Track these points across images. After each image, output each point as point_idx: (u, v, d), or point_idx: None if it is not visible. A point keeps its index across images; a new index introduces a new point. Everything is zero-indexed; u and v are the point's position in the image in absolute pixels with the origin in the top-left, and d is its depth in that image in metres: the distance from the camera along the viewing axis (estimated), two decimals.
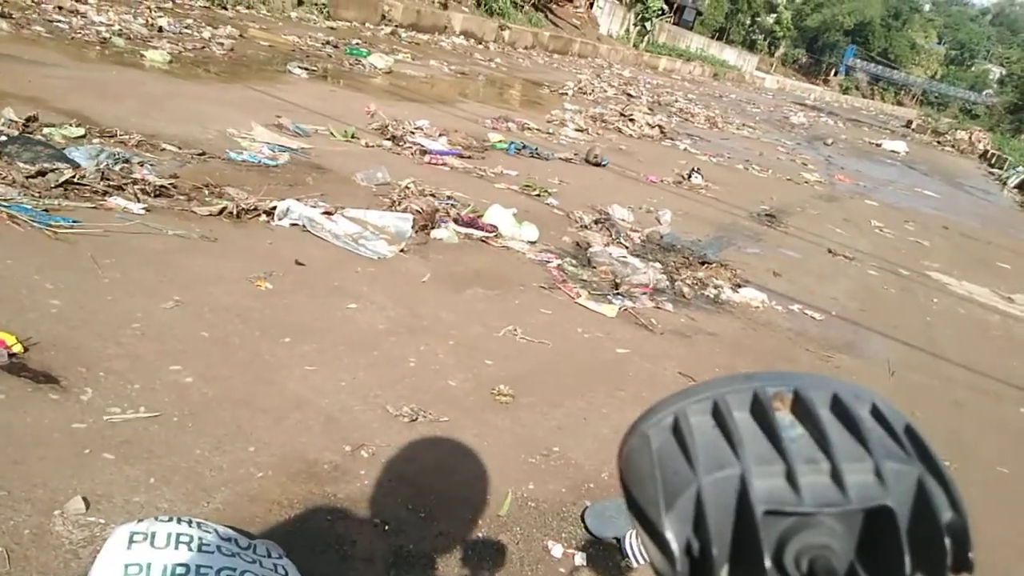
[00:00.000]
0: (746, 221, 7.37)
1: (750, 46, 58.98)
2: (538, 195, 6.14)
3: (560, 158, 7.83)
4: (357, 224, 4.29)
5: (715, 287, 5.00)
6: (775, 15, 59.88)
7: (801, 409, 0.44)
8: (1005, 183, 21.42)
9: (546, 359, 3.39)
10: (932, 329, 5.58)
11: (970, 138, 34.80)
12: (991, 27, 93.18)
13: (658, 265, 5.08)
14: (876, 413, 0.44)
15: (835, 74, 74.98)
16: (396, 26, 16.70)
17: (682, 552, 0.41)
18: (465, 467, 2.49)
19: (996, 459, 3.70)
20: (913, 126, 39.49)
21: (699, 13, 46.56)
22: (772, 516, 0.39)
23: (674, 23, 40.96)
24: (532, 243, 4.87)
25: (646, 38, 33.87)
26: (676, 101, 18.07)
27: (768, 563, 0.39)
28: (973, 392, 4.54)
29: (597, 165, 7.93)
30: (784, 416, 0.44)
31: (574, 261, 4.78)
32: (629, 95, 16.43)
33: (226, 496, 2.07)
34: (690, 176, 8.48)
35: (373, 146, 6.30)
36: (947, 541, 0.40)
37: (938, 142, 33.92)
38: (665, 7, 34.63)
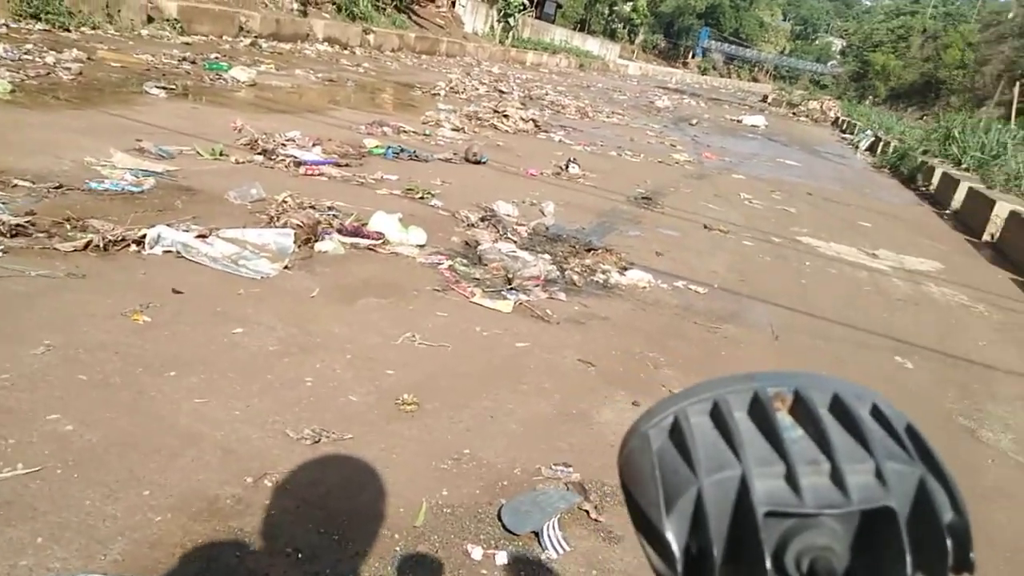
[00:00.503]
0: (625, 205, 7.57)
1: (611, 35, 60.70)
2: (421, 198, 6.09)
3: (440, 159, 7.80)
4: (235, 244, 4.12)
5: (603, 272, 5.11)
6: (631, 3, 61.83)
7: (802, 409, 0.44)
8: (857, 147, 22.99)
9: (447, 362, 3.37)
10: (808, 291, 5.91)
11: (821, 107, 37.17)
12: (829, 2, 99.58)
13: (547, 256, 5.14)
14: (877, 413, 0.44)
15: (693, 56, 78.29)
16: (256, 37, 16.16)
17: (682, 553, 0.41)
18: (375, 482, 2.43)
19: None
20: (769, 100, 41.79)
21: (559, 6, 47.52)
22: (773, 517, 0.39)
23: (536, 17, 41.64)
24: (421, 247, 4.82)
25: (511, 34, 34.26)
26: (547, 94, 18.36)
27: (769, 564, 0.38)
28: (851, 346, 4.84)
29: (477, 163, 7.95)
30: (785, 417, 0.44)
31: (465, 261, 4.77)
32: (501, 91, 16.56)
33: (124, 546, 1.94)
34: (567, 167, 8.64)
35: (244, 162, 6.07)
36: (948, 541, 0.40)
37: (793, 113, 36.03)
38: (526, 2, 35.11)
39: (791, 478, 0.40)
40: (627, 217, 7.07)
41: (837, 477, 0.40)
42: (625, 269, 5.29)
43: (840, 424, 0.43)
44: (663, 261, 5.80)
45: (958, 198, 12.47)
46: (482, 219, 5.67)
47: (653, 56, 72.55)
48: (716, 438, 0.43)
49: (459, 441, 2.73)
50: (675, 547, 0.41)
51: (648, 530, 0.43)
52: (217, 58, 12.33)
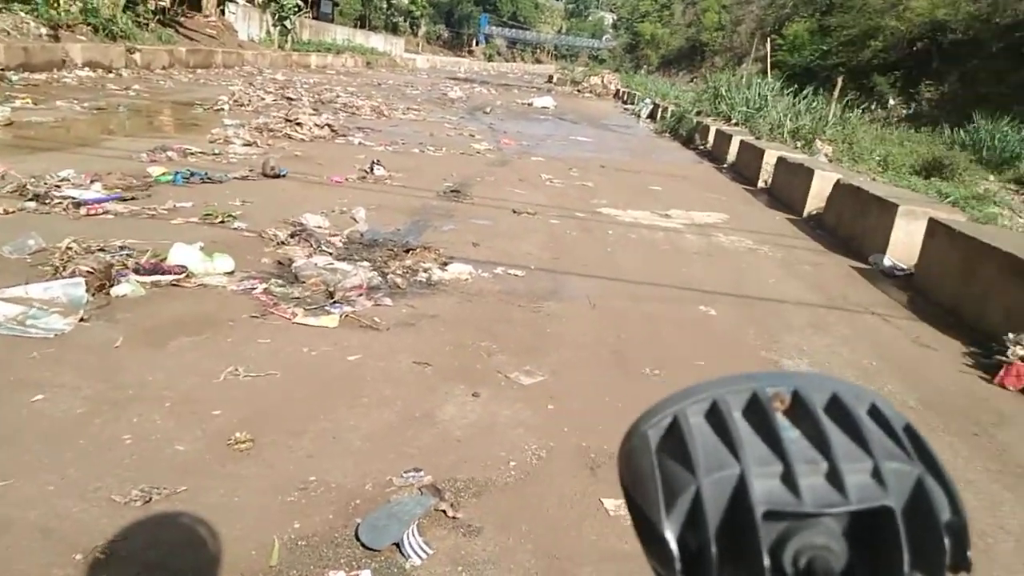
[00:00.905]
0: (435, 201, 7.63)
1: (393, 29, 60.44)
2: (222, 222, 5.78)
3: (235, 177, 7.43)
4: (19, 304, 3.72)
5: (425, 271, 5.13)
6: None
7: (800, 409, 0.44)
8: (639, 116, 24.52)
9: (278, 390, 3.25)
10: (614, 258, 6.26)
11: (603, 81, 39.20)
12: None
13: (366, 264, 5.08)
14: (875, 413, 0.44)
15: (477, 44, 79.74)
16: (1, 70, 14.51)
17: (680, 553, 0.41)
18: (220, 531, 2.31)
19: (693, 355, 4.29)
20: (554, 80, 43.46)
21: (336, 4, 46.57)
22: (771, 516, 0.39)
23: (313, 17, 40.55)
24: (230, 274, 4.59)
25: (289, 37, 33.13)
26: (338, 96, 18.00)
27: (767, 563, 0.39)
28: (660, 303, 5.19)
29: (276, 177, 7.66)
30: (783, 417, 0.44)
31: (280, 281, 4.60)
32: (289, 99, 16.01)
33: None
34: (372, 169, 8.55)
35: (14, 211, 5.46)
36: (946, 541, 0.40)
37: (578, 91, 37.75)
38: (300, 3, 34.09)
39: (789, 478, 0.40)
40: (439, 212, 7.13)
41: (835, 477, 0.40)
42: (446, 264, 5.34)
43: (838, 424, 0.43)
44: (480, 250, 5.92)
45: (732, 151, 13.67)
46: (292, 235, 5.49)
47: (439, 47, 73.11)
48: (715, 438, 0.43)
49: (303, 469, 2.66)
50: (674, 546, 0.41)
51: (647, 529, 0.43)
52: None
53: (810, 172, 9.49)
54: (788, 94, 17.05)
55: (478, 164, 10.57)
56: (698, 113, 18.73)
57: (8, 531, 2.18)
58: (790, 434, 0.43)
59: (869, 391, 0.46)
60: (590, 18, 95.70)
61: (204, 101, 14.11)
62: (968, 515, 0.41)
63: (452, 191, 8.17)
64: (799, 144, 13.83)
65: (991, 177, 14.76)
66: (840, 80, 17.34)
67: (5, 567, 2.04)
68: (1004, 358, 4.48)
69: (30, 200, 5.73)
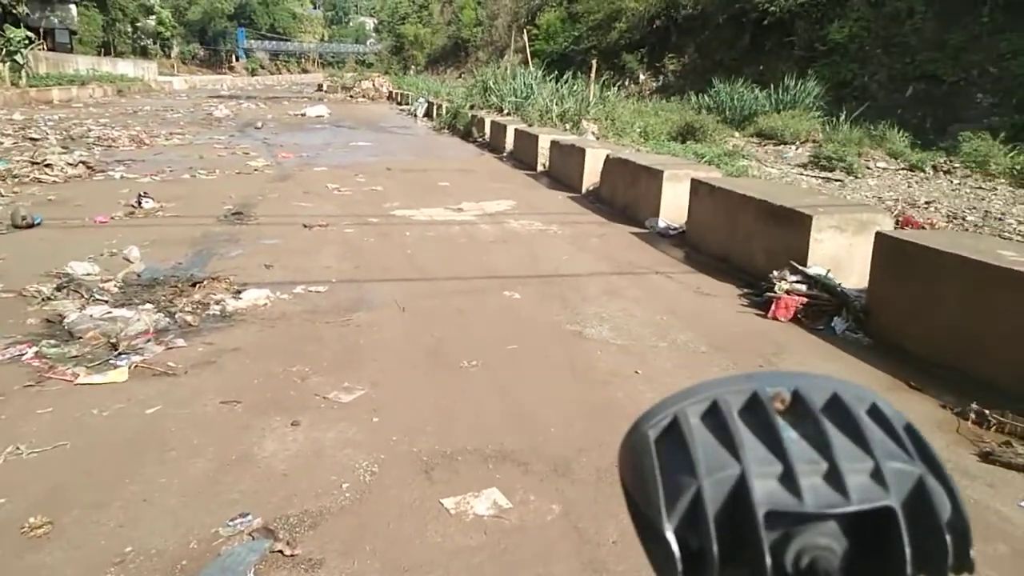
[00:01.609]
0: (217, 227, 7.22)
1: (143, 53, 56.17)
2: None
3: None
4: None
5: (217, 303, 4.85)
6: (155, 16, 57.74)
7: (801, 409, 0.44)
8: (415, 115, 24.65)
9: (72, 461, 2.93)
10: (415, 259, 6.27)
11: (374, 85, 38.92)
12: None
13: (150, 306, 4.71)
14: (876, 413, 0.44)
15: (237, 59, 76.14)
16: None
17: (681, 553, 0.40)
18: None
19: (505, 340, 4.40)
20: (325, 88, 42.54)
21: (74, 33, 42.38)
22: (772, 517, 0.39)
23: (49, 49, 36.65)
24: None
25: (23, 73, 29.70)
26: (90, 130, 16.43)
27: (768, 564, 0.38)
28: (467, 295, 5.28)
29: (30, 227, 6.86)
30: (784, 417, 0.44)
31: (53, 341, 4.14)
32: (33, 139, 14.37)
33: None
34: (140, 203, 7.92)
35: None
36: (948, 540, 0.40)
37: (351, 96, 37.21)
38: (31, 35, 30.66)
39: (790, 478, 0.40)
40: (224, 238, 6.75)
41: (836, 477, 0.40)
42: (239, 292, 5.08)
43: (839, 424, 0.43)
44: (275, 272, 5.69)
45: (509, 140, 14.15)
46: (59, 288, 4.95)
47: (196, 67, 68.87)
48: (715, 438, 0.43)
49: (116, 542, 2.42)
50: (675, 547, 0.40)
51: (648, 530, 0.42)
52: None
53: (582, 151, 10.05)
54: (551, 80, 17.90)
55: (258, 182, 10.12)
56: (472, 107, 19.16)
57: None
58: (790, 434, 0.42)
59: (870, 391, 0.46)
60: (351, 24, 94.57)
61: None
62: (970, 514, 0.41)
63: (234, 214, 7.77)
64: (568, 126, 14.60)
65: (736, 134, 16.45)
66: (594, 62, 18.51)
67: None
68: (772, 294, 5.04)
69: None
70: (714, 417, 0.44)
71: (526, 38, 24.99)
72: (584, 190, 9.82)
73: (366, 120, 22.98)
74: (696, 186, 6.99)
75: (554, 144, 11.50)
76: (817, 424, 0.43)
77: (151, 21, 58.48)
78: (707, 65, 22.82)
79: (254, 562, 2.30)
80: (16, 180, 9.49)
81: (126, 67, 44.87)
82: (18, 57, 29.17)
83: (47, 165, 10.37)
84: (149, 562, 2.33)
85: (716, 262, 6.30)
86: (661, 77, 25.28)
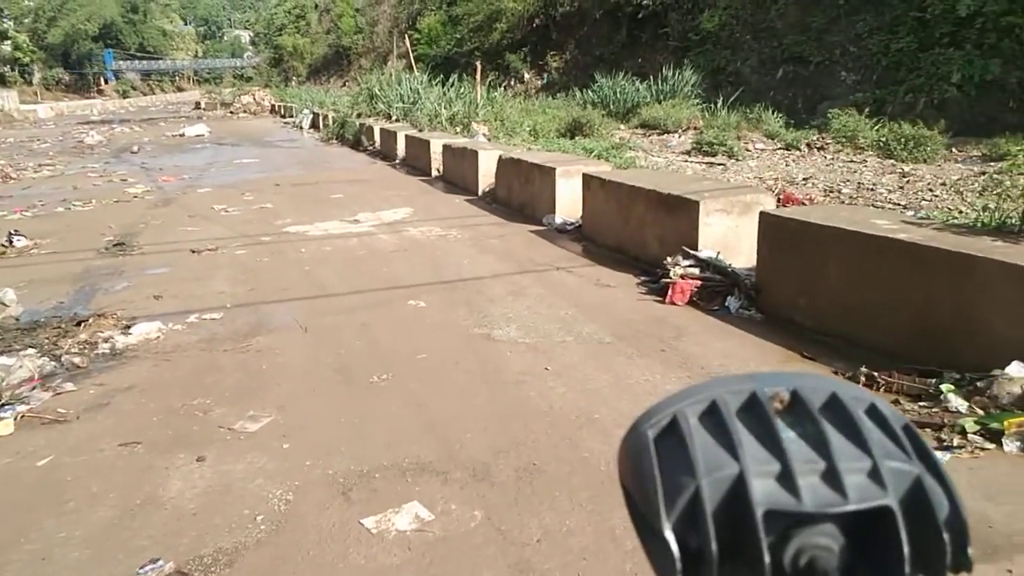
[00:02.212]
0: (98, 260, 6.85)
1: (1, 81, 52.60)
2: None
3: None
4: None
5: (105, 340, 4.61)
6: (10, 41, 54.22)
7: (799, 409, 0.44)
8: (301, 128, 24.13)
9: None
10: (313, 275, 6.14)
11: (255, 99, 37.88)
12: None
13: (32, 351, 4.41)
14: (874, 413, 0.44)
15: (106, 82, 72.40)
16: None
17: (680, 553, 0.40)
18: None
19: (414, 350, 4.36)
20: (203, 106, 41.09)
21: None
22: (771, 516, 0.39)
23: None
24: None
25: None
26: None
27: (767, 563, 0.38)
28: (371, 308, 5.20)
29: None
30: (782, 417, 0.43)
31: None
32: None
33: None
34: (11, 241, 7.42)
35: None
36: (946, 539, 0.40)
37: (231, 112, 36.09)
38: None
39: (789, 478, 0.40)
40: (106, 272, 6.41)
41: (834, 477, 0.40)
42: (128, 327, 4.84)
43: (837, 424, 0.43)
44: (166, 303, 5.45)
45: (400, 147, 14.04)
46: None
47: (61, 93, 64.95)
48: (714, 438, 0.43)
49: None
50: (674, 546, 0.40)
51: (647, 530, 0.42)
52: None
53: (475, 153, 10.09)
54: (437, 84, 17.87)
55: (138, 209, 9.66)
56: (359, 116, 18.92)
57: None
58: (789, 434, 0.43)
59: (868, 392, 0.46)
60: (225, 38, 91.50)
61: None
62: (967, 514, 0.41)
63: (116, 245, 7.39)
64: (458, 129, 14.62)
65: (622, 127, 16.90)
66: (479, 64, 18.59)
67: None
68: (668, 279, 5.20)
69: None
70: (713, 417, 0.44)
71: (408, 43, 24.83)
72: (480, 192, 9.86)
73: (249, 136, 22.30)
74: (588, 181, 7.14)
75: (446, 148, 11.49)
76: (815, 424, 0.43)
77: (6, 46, 54.87)
78: (588, 61, 23.33)
79: None
80: None
81: None
82: None
83: None
84: None
85: (613, 253, 6.46)
86: (545, 75, 25.67)
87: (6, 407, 3.70)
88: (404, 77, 19.50)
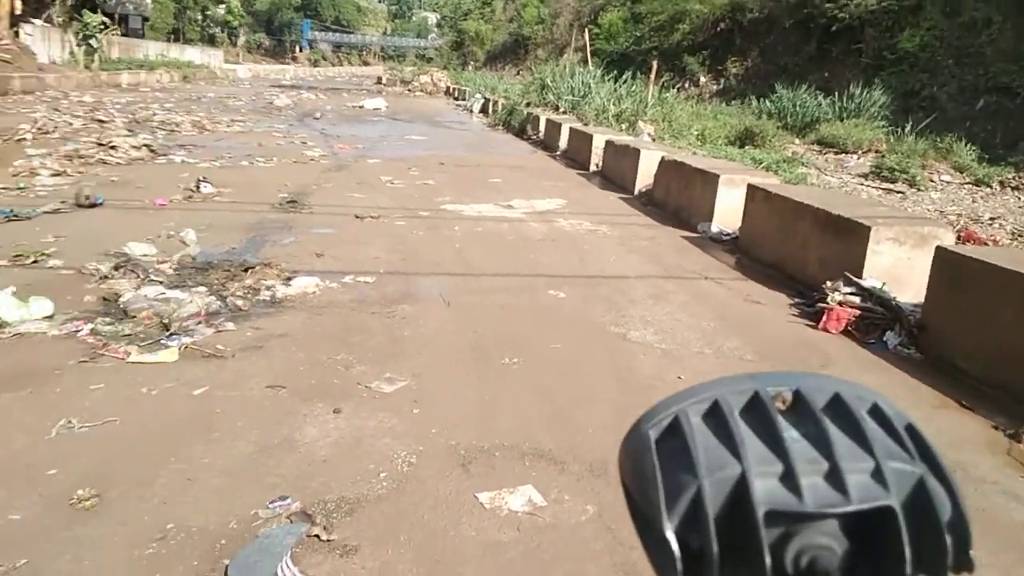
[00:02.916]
0: (272, 214, 7.35)
1: (210, 41, 57.59)
2: (35, 261, 5.28)
3: (45, 211, 6.80)
4: None
5: (268, 288, 4.94)
6: (224, 5, 59.14)
7: (802, 409, 0.44)
8: (471, 111, 24.74)
9: (120, 437, 3.02)
10: (463, 254, 6.30)
11: (432, 80, 39.23)
12: None
13: (203, 289, 4.82)
14: (877, 413, 0.44)
15: (301, 50, 77.47)
16: None
17: (681, 553, 0.40)
18: None
19: (548, 339, 4.38)
20: (384, 81, 43.01)
21: (146, 19, 43.61)
22: (772, 516, 0.39)
23: (122, 34, 37.81)
24: (49, 318, 4.20)
25: (96, 56, 30.72)
26: (154, 114, 16.89)
27: (768, 563, 0.38)
28: (512, 293, 5.27)
29: (93, 206, 7.09)
30: (785, 417, 0.44)
31: (108, 319, 4.27)
32: (100, 121, 14.84)
33: None
34: (199, 187, 8.11)
35: None
36: (948, 540, 0.40)
37: (408, 90, 37.58)
38: (106, 20, 31.69)
39: (791, 478, 0.40)
40: (277, 225, 6.87)
41: (837, 477, 0.40)
42: (290, 279, 5.16)
43: (840, 424, 0.43)
44: (326, 261, 5.77)
45: (563, 139, 14.10)
46: (116, 267, 5.10)
47: (260, 56, 70.29)
48: (716, 438, 0.43)
49: (159, 518, 2.48)
50: (675, 546, 0.40)
51: (648, 530, 0.42)
52: None
53: (637, 152, 9.96)
54: (609, 80, 17.77)
55: (313, 171, 10.28)
56: (527, 104, 19.16)
57: None
58: (791, 434, 0.42)
59: (871, 391, 0.46)
60: (414, 19, 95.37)
61: (2, 132, 12.82)
62: (971, 514, 0.41)
63: (289, 202, 7.90)
64: (624, 126, 14.48)
65: (796, 141, 16.12)
66: (655, 63, 18.28)
67: None
68: (824, 304, 4.91)
69: None
70: (715, 417, 0.44)
71: (587, 37, 24.84)
72: (636, 192, 9.73)
73: (422, 114, 23.17)
74: (752, 192, 6.87)
75: (609, 144, 11.42)
76: (818, 424, 0.43)
77: (220, 10, 59.93)
78: (770, 70, 22.39)
79: (291, 545, 2.33)
80: (82, 160, 9.81)
81: (193, 54, 46.07)
82: (93, 41, 30.18)
83: (112, 147, 10.70)
84: (190, 540, 2.38)
85: (768, 270, 6.18)
86: (722, 80, 24.90)
87: (174, 337, 4.05)
88: (578, 70, 19.53)
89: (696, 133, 14.28)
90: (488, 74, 41.56)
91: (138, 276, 4.95)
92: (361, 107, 24.03)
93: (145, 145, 11.02)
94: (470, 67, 50.03)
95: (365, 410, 3.36)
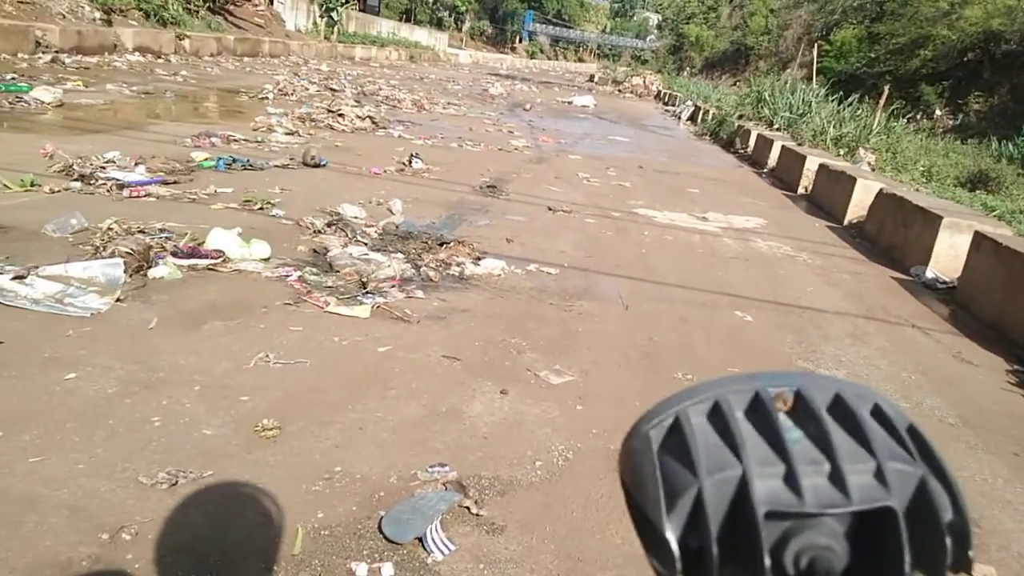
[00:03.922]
0: (472, 196, 7.62)
1: (438, 24, 60.66)
2: (261, 208, 5.84)
3: (276, 165, 7.51)
4: (58, 282, 3.78)
5: (458, 265, 5.12)
6: None
7: (803, 410, 0.44)
8: (679, 117, 24.30)
9: (307, 378, 3.27)
10: (649, 260, 6.20)
11: (644, 82, 38.92)
12: None
13: (400, 255, 5.09)
14: (879, 413, 0.44)
15: (520, 41, 79.64)
16: (56, 52, 14.83)
17: (681, 553, 0.40)
18: (244, 517, 2.32)
19: (726, 361, 4.21)
20: (596, 79, 43.31)
21: None
22: (773, 517, 0.39)
23: (360, 10, 40.84)
24: (266, 260, 4.63)
25: (336, 29, 33.43)
26: (380, 89, 18.10)
27: (767, 563, 0.39)
28: (694, 306, 5.12)
29: (316, 166, 7.72)
30: (786, 417, 0.44)
31: (315, 269, 4.63)
32: (332, 90, 16.14)
33: None
34: (410, 162, 8.58)
35: (59, 191, 5.58)
36: (948, 541, 0.40)
37: (619, 91, 37.53)
38: None
39: (792, 478, 0.40)
40: (475, 207, 7.12)
41: (838, 477, 0.40)
42: (479, 259, 5.33)
43: (841, 424, 0.43)
44: (514, 247, 5.89)
45: (773, 156, 13.47)
46: (329, 224, 5.52)
47: (482, 43, 73.18)
48: (717, 438, 0.43)
49: (329, 459, 2.66)
50: (674, 546, 0.40)
51: (648, 530, 0.43)
52: (14, 79, 11.22)
53: (852, 180, 9.30)
54: (832, 101, 16.74)
55: (515, 160, 10.54)
56: (740, 117, 18.50)
57: (36, 508, 2.21)
58: (792, 434, 0.42)
59: (872, 391, 0.45)
60: (635, 18, 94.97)
61: (249, 89, 14.28)
62: (970, 516, 0.41)
63: (488, 186, 8.16)
64: (842, 152, 13.57)
65: None
66: (886, 88, 16.99)
67: (32, 543, 2.07)
68: None
69: (75, 180, 5.85)
70: (716, 417, 0.44)
71: (815, 53, 23.58)
72: (846, 222, 9.10)
73: (629, 115, 23.06)
74: (979, 240, 6.19)
75: (822, 168, 10.76)
76: (819, 424, 0.42)
77: None
78: (1021, 109, 20.10)
79: (443, 511, 2.41)
80: (313, 124, 10.71)
81: (421, 35, 48.80)
82: (334, 14, 32.82)
83: (340, 115, 11.59)
84: (352, 485, 2.53)
85: (986, 328, 5.55)
86: (961, 116, 22.70)
87: (369, 295, 4.32)
88: (799, 87, 18.58)
89: (922, 169, 13.11)
90: (702, 81, 40.60)
91: (346, 235, 5.32)
92: (570, 103, 24.34)
93: (369, 117, 11.83)
94: (685, 72, 49.12)
95: (530, 397, 3.40)
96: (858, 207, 9.00)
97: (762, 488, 0.40)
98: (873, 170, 12.06)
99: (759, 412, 0.44)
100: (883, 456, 0.41)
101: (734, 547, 0.40)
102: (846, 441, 0.42)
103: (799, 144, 13.60)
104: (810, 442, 0.42)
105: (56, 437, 2.57)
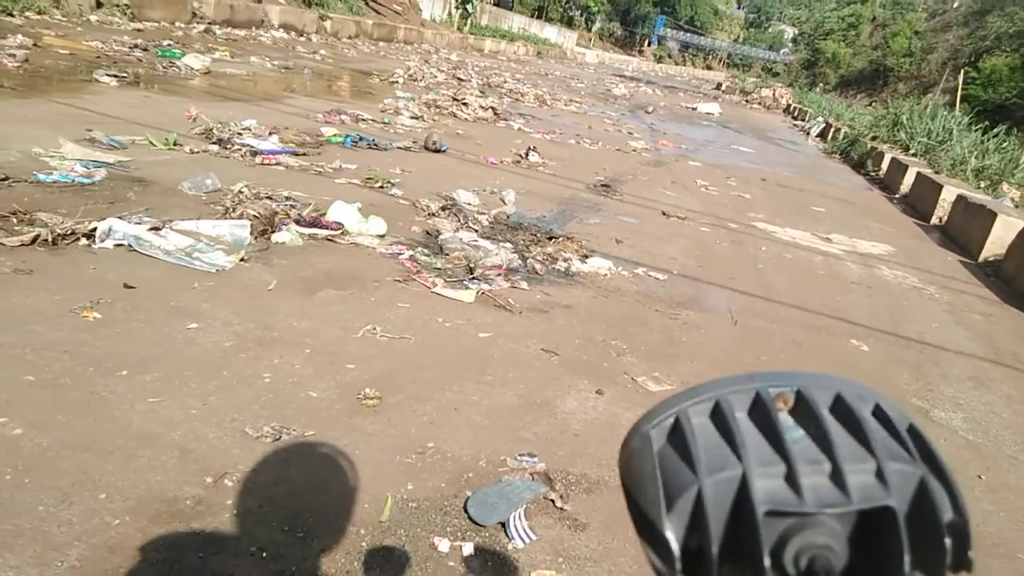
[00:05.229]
0: (584, 193, 7.59)
1: (568, 22, 60.73)
2: (381, 187, 6.02)
3: (399, 147, 7.72)
4: (189, 237, 4.02)
5: (564, 260, 5.12)
6: None
7: (803, 409, 0.44)
8: (808, 133, 23.39)
9: (410, 354, 3.34)
10: (764, 276, 5.99)
11: (774, 95, 37.68)
12: None
13: (509, 245, 5.13)
14: (879, 413, 0.44)
15: (649, 44, 78.70)
16: (209, 23, 15.79)
17: (681, 553, 0.41)
18: (339, 479, 2.40)
19: None
20: (723, 88, 42.25)
21: None
22: (773, 516, 0.39)
23: (494, 4, 41.42)
24: (381, 237, 4.77)
25: (469, 21, 34.03)
26: (505, 82, 18.29)
27: (767, 562, 0.39)
28: (808, 329, 4.92)
29: (437, 151, 7.89)
30: (786, 417, 0.44)
31: (426, 250, 4.73)
32: (459, 79, 16.44)
33: (82, 551, 1.89)
34: (527, 155, 8.63)
35: (198, 152, 5.93)
36: (947, 541, 0.40)
37: (746, 101, 36.49)
38: None
39: (792, 478, 0.40)
40: (587, 205, 7.09)
41: (838, 477, 0.40)
42: (586, 257, 5.30)
43: (842, 424, 0.43)
44: (623, 248, 5.83)
45: (907, 183, 12.76)
46: (443, 208, 5.63)
47: (610, 44, 72.74)
48: (717, 438, 0.43)
49: (423, 434, 2.71)
50: (674, 546, 0.41)
51: (648, 529, 0.43)
52: (170, 45, 12.02)
53: (992, 215, 8.69)
54: (976, 130, 15.69)
55: (632, 162, 10.42)
56: (873, 138, 17.62)
57: (151, 445, 2.35)
58: (793, 434, 0.42)
59: (873, 391, 0.45)
60: (769, 30, 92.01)
61: (381, 72, 14.75)
62: (970, 515, 0.41)
63: (602, 185, 8.10)
64: (983, 184, 12.70)
65: None
66: None
67: (145, 477, 2.20)
68: None
69: (214, 143, 6.20)
70: (716, 417, 0.44)
71: (961, 79, 22.18)
72: (981, 259, 8.51)
73: (754, 127, 22.38)
74: None
75: (960, 199, 10.11)
76: (820, 424, 0.42)
77: None
78: None
79: (528, 500, 2.41)
80: (438, 110, 10.93)
81: (551, 32, 48.99)
82: (469, 6, 33.41)
83: (464, 104, 11.78)
84: (443, 463, 2.57)
85: None
86: None
87: (475, 280, 4.37)
88: (941, 113, 17.52)
89: None
90: (836, 99, 38.88)
91: (459, 220, 5.41)
92: (694, 109, 23.86)
93: (491, 107, 11.98)
94: (818, 89, 47.20)
95: (626, 400, 3.35)
96: (996, 244, 8.39)
97: (762, 487, 0.40)
98: (1017, 207, 11.23)
99: (760, 412, 0.44)
100: (883, 456, 0.41)
101: (734, 546, 0.40)
102: (846, 441, 0.42)
103: (936, 172, 12.83)
104: (810, 442, 0.42)
105: (175, 382, 2.73)
